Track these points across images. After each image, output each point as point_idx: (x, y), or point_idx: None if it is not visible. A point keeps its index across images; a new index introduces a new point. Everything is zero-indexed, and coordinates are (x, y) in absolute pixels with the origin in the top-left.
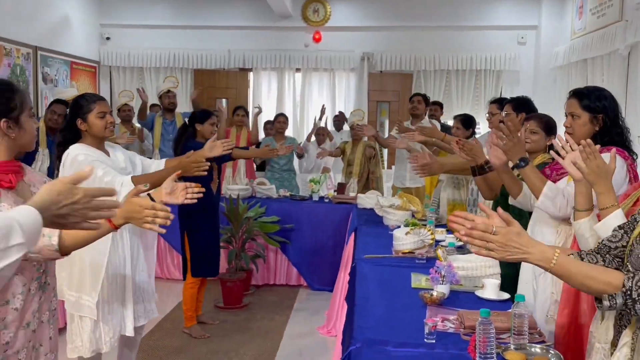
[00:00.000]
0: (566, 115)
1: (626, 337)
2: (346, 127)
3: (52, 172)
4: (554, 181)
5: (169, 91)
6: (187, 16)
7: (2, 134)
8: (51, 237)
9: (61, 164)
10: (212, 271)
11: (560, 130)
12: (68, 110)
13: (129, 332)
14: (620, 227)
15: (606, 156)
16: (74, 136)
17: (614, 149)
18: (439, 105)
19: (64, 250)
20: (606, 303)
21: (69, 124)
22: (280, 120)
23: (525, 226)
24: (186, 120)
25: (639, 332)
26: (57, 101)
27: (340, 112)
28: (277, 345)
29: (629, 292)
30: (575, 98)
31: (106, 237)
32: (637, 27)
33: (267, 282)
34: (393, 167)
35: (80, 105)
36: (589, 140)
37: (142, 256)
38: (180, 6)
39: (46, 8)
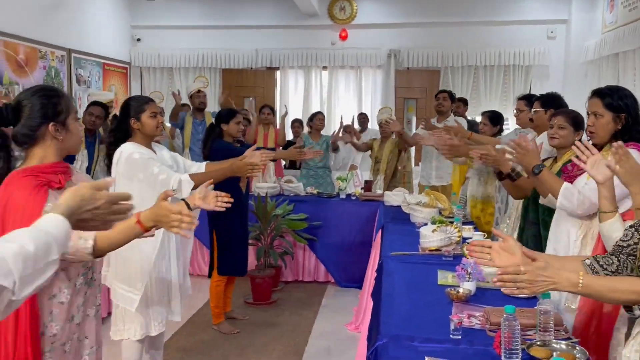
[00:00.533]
0: (588, 115)
1: (639, 326)
2: (371, 125)
3: (90, 171)
4: (575, 176)
5: (199, 91)
6: (215, 16)
7: (50, 137)
8: (87, 240)
9: (114, 162)
10: (239, 270)
11: None
12: (117, 111)
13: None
14: (631, 225)
15: (634, 153)
16: (124, 135)
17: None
18: (463, 101)
19: (97, 253)
20: (637, 312)
21: (120, 124)
22: (319, 118)
23: None
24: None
25: None
26: (94, 103)
27: (363, 113)
28: (305, 341)
29: None
30: (597, 97)
31: (156, 234)
32: None
33: (295, 278)
34: (420, 164)
35: (133, 106)
36: (620, 143)
37: (182, 253)
38: (208, 7)
39: (79, 11)
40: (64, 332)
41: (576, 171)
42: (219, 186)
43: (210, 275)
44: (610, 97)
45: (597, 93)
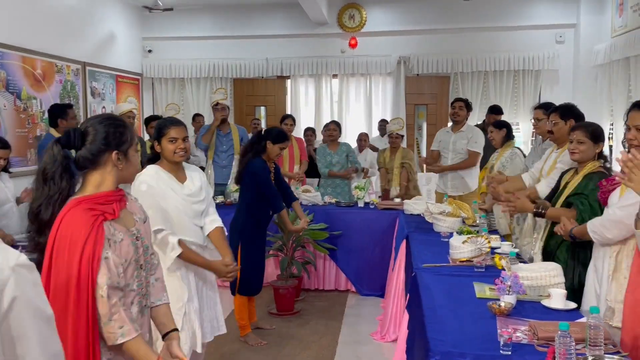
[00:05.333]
0: (629, 128)
1: None
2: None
3: None
4: (610, 192)
5: (217, 103)
6: (226, 27)
7: (112, 164)
8: None
9: (133, 186)
10: (258, 288)
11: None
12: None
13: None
14: None
15: None
16: (155, 155)
17: None
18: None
19: None
20: None
21: (153, 144)
22: (330, 128)
23: None
24: (262, 131)
25: None
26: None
27: (384, 119)
28: (333, 351)
29: None
30: None
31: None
32: None
33: (316, 287)
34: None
35: (158, 128)
36: (631, 154)
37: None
38: (218, 17)
39: (92, 25)
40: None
41: (609, 186)
42: (249, 204)
43: (233, 293)
44: None
45: (639, 106)
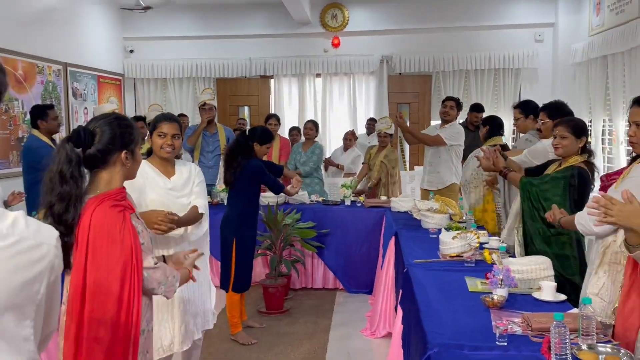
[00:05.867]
0: (629, 124)
1: None
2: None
3: None
4: (607, 187)
5: (204, 104)
6: (208, 26)
7: (121, 163)
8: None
9: None
10: (248, 285)
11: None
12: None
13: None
14: None
15: None
16: (149, 151)
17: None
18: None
19: None
20: None
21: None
22: (306, 127)
23: None
24: (245, 131)
25: None
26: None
27: (372, 118)
28: (324, 349)
29: None
30: None
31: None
32: None
33: (305, 285)
34: (416, 167)
35: (153, 122)
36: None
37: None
38: (201, 17)
39: (73, 25)
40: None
41: (607, 182)
42: (241, 202)
43: (226, 289)
44: None
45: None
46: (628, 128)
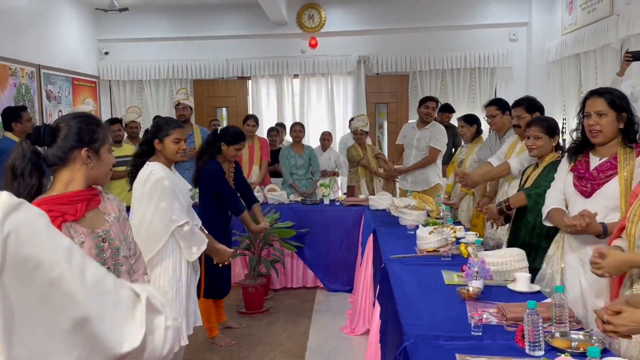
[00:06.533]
0: (585, 115)
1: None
2: (344, 131)
3: None
4: (602, 183)
5: (178, 103)
6: (184, 28)
7: (81, 162)
8: None
9: (141, 178)
10: (225, 291)
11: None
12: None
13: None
14: None
15: None
16: (150, 151)
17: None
18: (449, 109)
19: None
20: None
21: (149, 141)
22: (295, 129)
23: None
24: (218, 130)
25: None
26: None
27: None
28: (304, 347)
29: None
30: (599, 96)
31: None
32: (628, 21)
33: (284, 285)
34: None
35: (161, 128)
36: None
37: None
38: (176, 18)
39: (47, 26)
40: None
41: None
42: (206, 209)
43: (198, 296)
44: (611, 94)
45: (597, 93)
46: (578, 121)
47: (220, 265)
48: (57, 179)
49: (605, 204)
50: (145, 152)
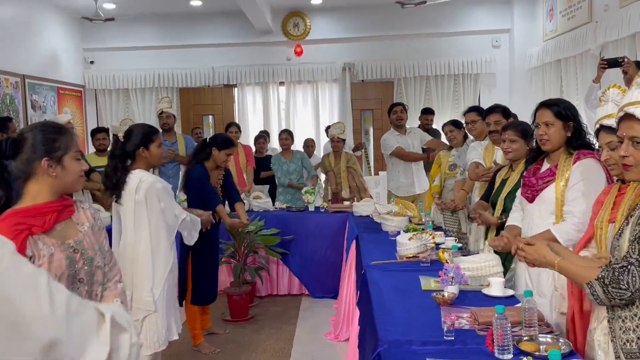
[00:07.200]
0: (537, 126)
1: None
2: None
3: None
4: (541, 189)
5: (162, 112)
6: (170, 36)
7: (42, 172)
8: None
9: (132, 188)
10: (212, 298)
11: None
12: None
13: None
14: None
15: (590, 163)
16: (126, 160)
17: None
18: (430, 111)
19: None
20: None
21: (126, 150)
22: (282, 137)
23: None
24: (207, 138)
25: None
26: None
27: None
28: (288, 354)
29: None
30: (546, 108)
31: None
32: (606, 27)
33: (270, 292)
34: (381, 172)
35: (146, 134)
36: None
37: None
38: (162, 27)
39: (31, 36)
40: None
41: (542, 184)
42: (193, 206)
43: (181, 303)
44: (558, 106)
45: (545, 105)
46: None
47: (204, 230)
48: (25, 191)
49: (545, 208)
50: (124, 158)
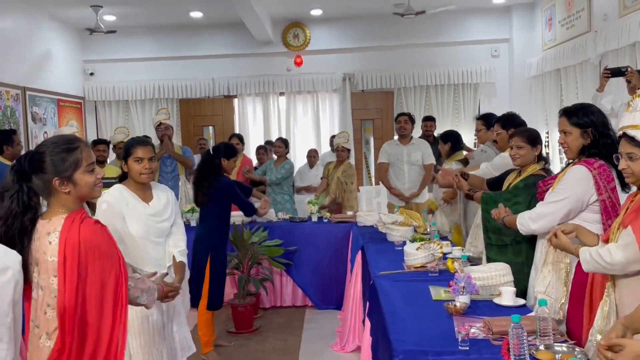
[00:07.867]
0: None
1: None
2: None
3: None
4: (544, 192)
5: (160, 124)
6: (170, 48)
7: (56, 189)
8: None
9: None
10: (222, 302)
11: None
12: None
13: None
14: None
15: (577, 168)
16: (125, 174)
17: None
18: (432, 119)
19: None
20: None
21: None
22: (275, 145)
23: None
24: (210, 150)
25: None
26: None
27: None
28: None
29: None
30: (564, 116)
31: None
32: (605, 37)
33: (274, 304)
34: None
35: (126, 148)
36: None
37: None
38: (162, 38)
39: (31, 48)
40: None
41: (545, 187)
42: (216, 221)
43: (197, 307)
44: (576, 115)
45: (564, 112)
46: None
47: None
48: (51, 204)
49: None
50: (123, 177)
